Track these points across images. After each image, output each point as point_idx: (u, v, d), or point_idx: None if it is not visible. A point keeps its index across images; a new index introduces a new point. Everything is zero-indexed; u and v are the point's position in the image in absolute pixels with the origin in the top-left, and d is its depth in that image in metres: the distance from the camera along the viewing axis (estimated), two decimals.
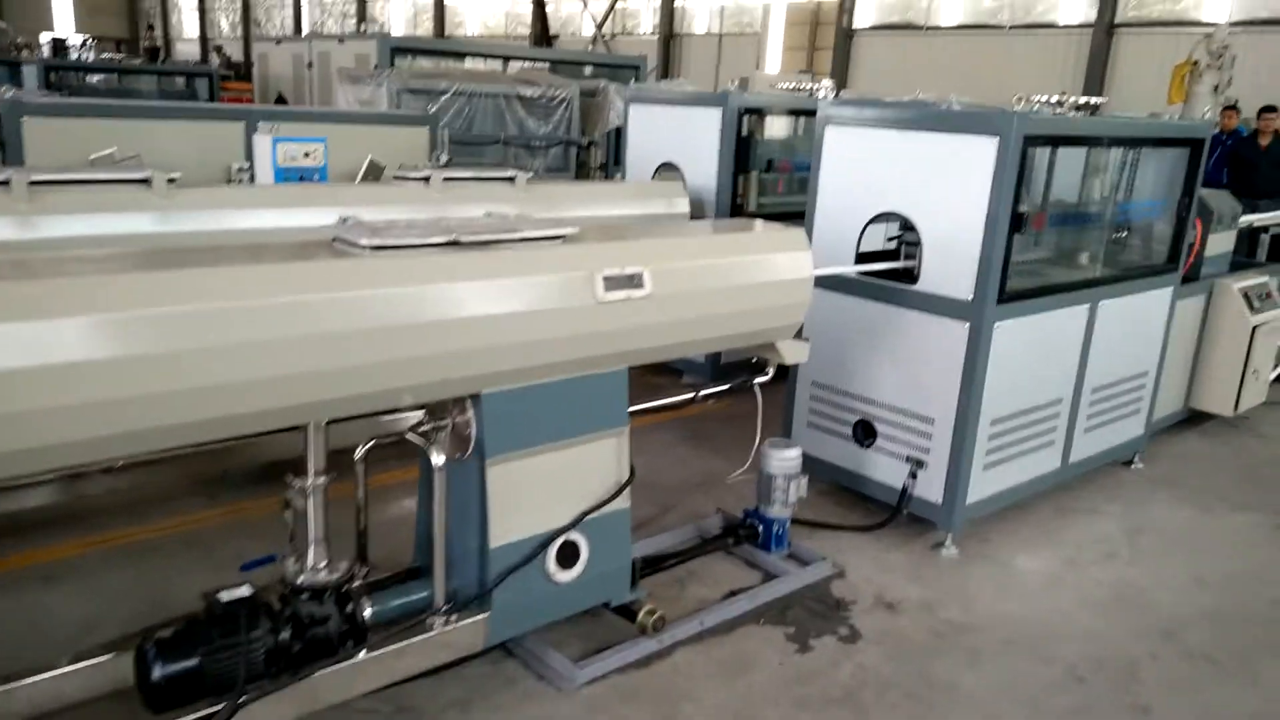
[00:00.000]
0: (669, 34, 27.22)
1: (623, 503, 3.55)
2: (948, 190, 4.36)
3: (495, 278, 2.96)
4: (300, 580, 2.98)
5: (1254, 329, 6.15)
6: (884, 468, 4.77)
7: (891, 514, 4.71)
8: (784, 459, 4.31)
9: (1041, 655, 3.83)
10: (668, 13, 27.16)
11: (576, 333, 3.15)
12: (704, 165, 6.40)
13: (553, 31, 29.99)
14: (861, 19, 23.12)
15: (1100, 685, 3.66)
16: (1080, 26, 19.64)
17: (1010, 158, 4.11)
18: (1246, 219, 7.21)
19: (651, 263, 3.34)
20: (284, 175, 6.09)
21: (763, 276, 3.73)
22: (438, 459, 3.04)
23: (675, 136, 6.62)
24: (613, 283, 3.20)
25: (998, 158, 4.14)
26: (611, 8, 28.58)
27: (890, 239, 4.83)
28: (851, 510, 4.99)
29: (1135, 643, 3.94)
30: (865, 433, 4.82)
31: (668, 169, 6.68)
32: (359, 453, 3.13)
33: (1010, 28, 20.67)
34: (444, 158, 7.60)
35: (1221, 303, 6.21)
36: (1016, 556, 4.61)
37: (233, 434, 2.64)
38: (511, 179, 5.42)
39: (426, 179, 5.10)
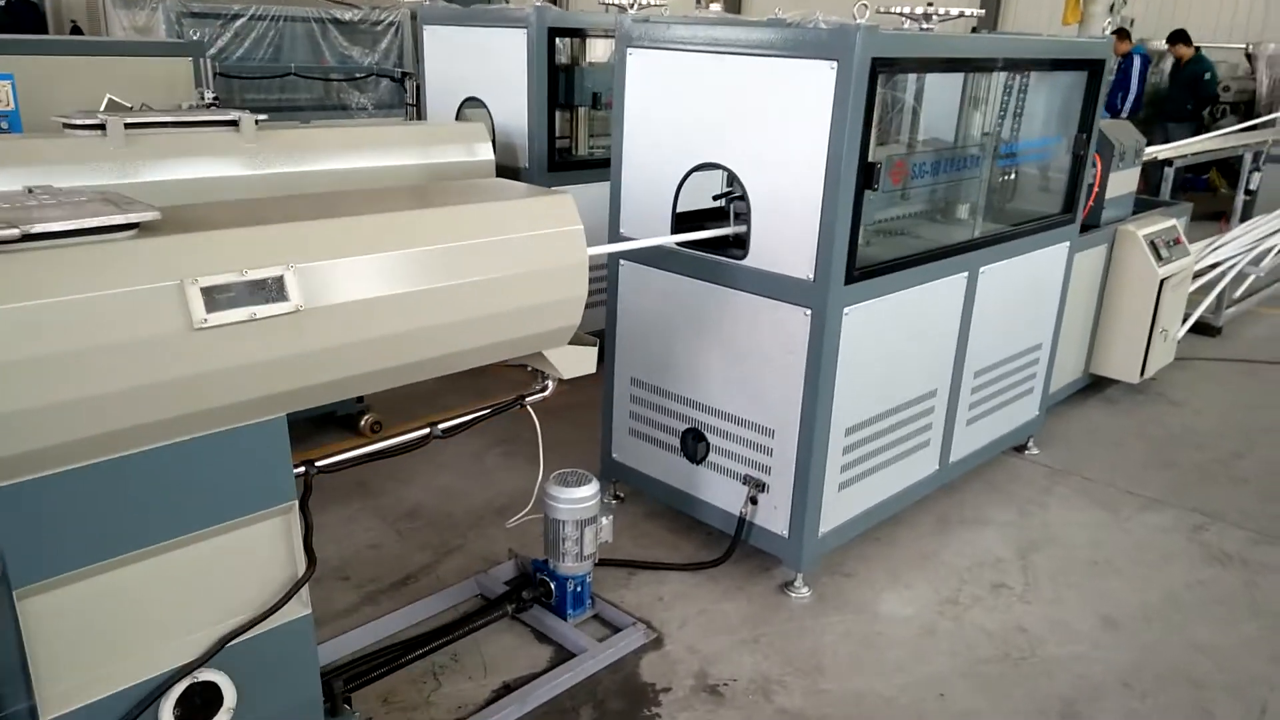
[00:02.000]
0: None
1: (297, 608, 2.44)
2: (776, 134, 3.28)
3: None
4: None
5: (1161, 282, 5.28)
6: (720, 489, 3.76)
7: (727, 550, 3.71)
8: (573, 500, 3.26)
9: None
10: None
11: (156, 380, 2.00)
12: (513, 100, 5.20)
13: None
14: None
15: None
16: None
17: (854, 88, 3.04)
18: (1153, 150, 6.33)
19: (301, 258, 2.19)
20: None
21: (508, 267, 2.61)
22: None
23: (479, 66, 5.39)
24: (222, 296, 2.06)
25: (837, 89, 3.07)
26: None
27: (717, 196, 3.75)
28: (685, 539, 3.98)
29: None
30: (696, 445, 3.78)
31: (473, 105, 5.47)
32: None
33: None
34: (208, 95, 6.27)
35: (1125, 253, 5.31)
36: (883, 597, 3.66)
37: None
38: (235, 123, 4.16)
39: (102, 127, 3.82)
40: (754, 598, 3.62)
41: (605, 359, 4.06)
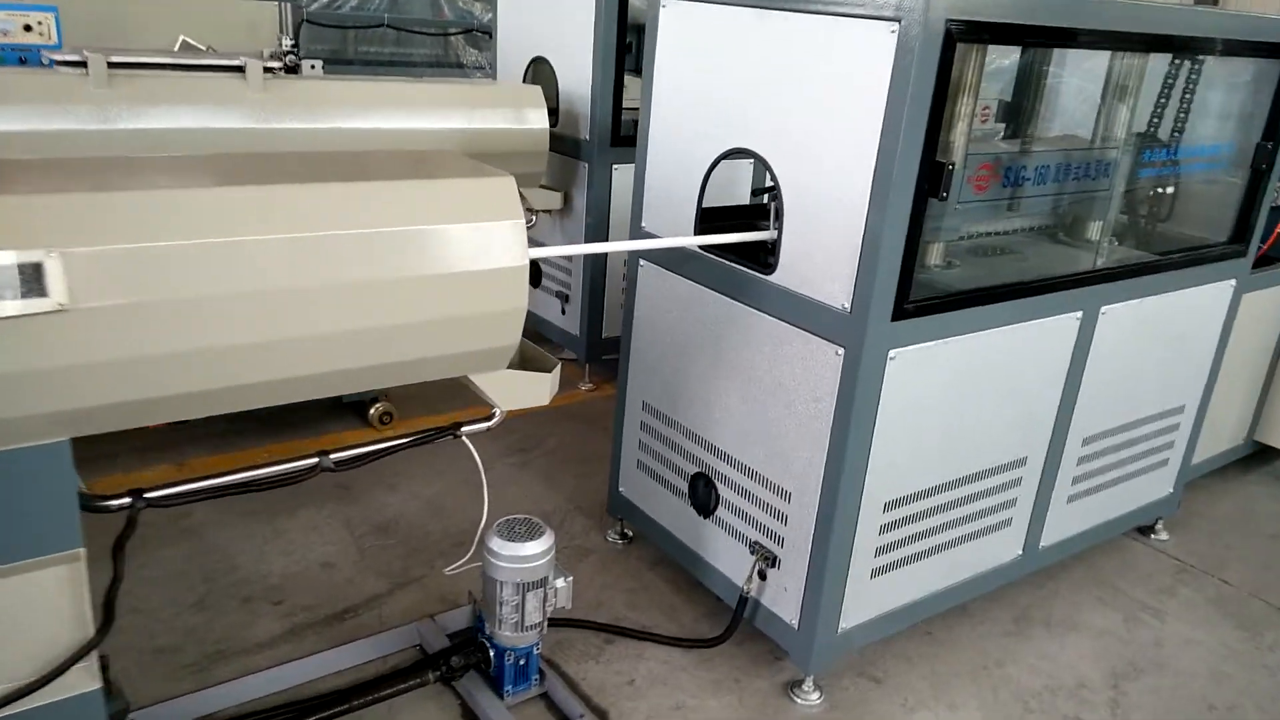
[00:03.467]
0: None
1: (83, 681, 1.92)
2: (818, 116, 2.51)
3: None
4: None
5: None
6: (728, 552, 3.05)
7: (726, 629, 3.00)
8: (515, 558, 2.62)
9: None
10: None
11: None
12: (579, 61, 4.55)
13: None
14: None
15: None
16: None
17: (919, 61, 2.25)
18: None
19: (78, 241, 1.64)
20: None
21: (405, 265, 2.00)
22: None
23: (547, 19, 4.76)
24: None
25: (897, 60, 2.28)
26: None
27: (757, 192, 3.01)
28: (688, 602, 3.30)
29: None
30: (705, 494, 3.08)
31: (540, 65, 4.86)
32: None
33: None
34: (286, 42, 5.90)
35: None
36: (916, 718, 2.87)
37: None
38: (240, 68, 3.70)
39: (83, 64, 3.42)
40: (749, 696, 2.90)
41: (619, 374, 3.41)
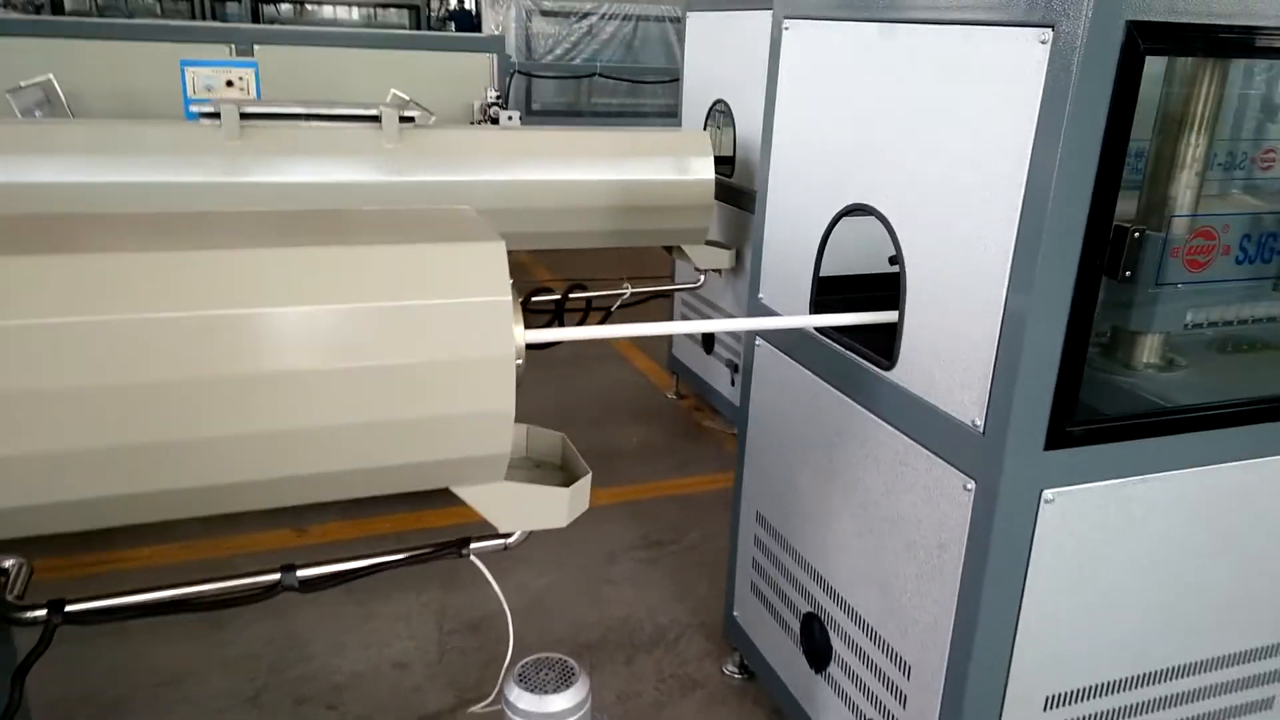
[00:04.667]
0: None
1: None
2: (947, 162, 1.84)
3: None
4: None
5: None
6: (843, 718, 2.36)
7: None
8: (535, 714, 2.10)
9: None
10: None
11: None
12: (756, 104, 4.00)
13: None
14: None
15: None
16: None
17: (1081, 80, 1.54)
18: None
19: None
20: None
21: (356, 352, 1.57)
22: None
23: (733, 61, 4.27)
24: None
25: (1049, 82, 1.58)
26: None
27: (894, 259, 2.33)
28: None
29: None
30: (817, 642, 2.42)
31: (720, 110, 4.37)
32: None
33: None
34: (491, 93, 5.81)
35: None
36: None
37: None
38: (376, 118, 3.51)
39: (217, 115, 3.34)
40: None
41: (736, 471, 2.81)
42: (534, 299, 3.99)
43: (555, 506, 1.87)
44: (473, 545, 2.04)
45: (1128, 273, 1.71)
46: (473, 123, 5.91)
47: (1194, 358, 2.20)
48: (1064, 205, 1.60)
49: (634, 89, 8.40)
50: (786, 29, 2.38)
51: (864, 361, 2.13)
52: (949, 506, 1.89)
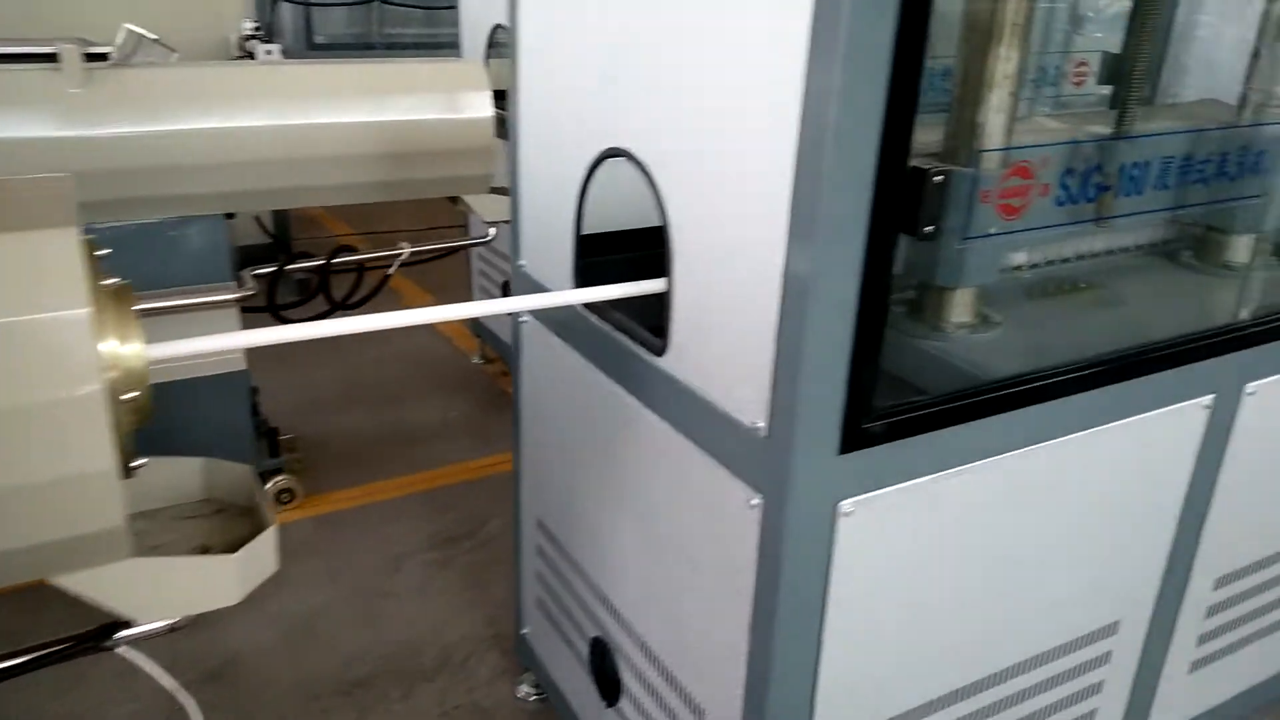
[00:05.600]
0: None
1: None
2: (708, 87, 1.43)
3: None
4: None
5: None
6: None
7: None
8: None
9: None
10: None
11: None
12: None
13: None
14: None
15: None
16: None
17: None
18: None
19: None
20: None
21: None
22: None
23: None
24: None
25: None
26: None
27: None
28: None
29: None
30: (607, 672, 2.04)
31: (502, 38, 3.87)
32: None
33: None
34: (246, 26, 5.07)
35: None
36: None
37: None
38: (53, 56, 2.84)
39: None
40: None
41: (514, 472, 2.39)
42: (291, 266, 3.41)
43: (219, 581, 1.39)
44: (122, 634, 1.53)
45: (928, 228, 1.37)
46: (232, 59, 5.17)
47: (1009, 308, 1.89)
48: (846, 142, 1.22)
49: (430, 17, 7.69)
50: None
51: (635, 345, 1.73)
52: (733, 523, 1.52)
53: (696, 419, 1.58)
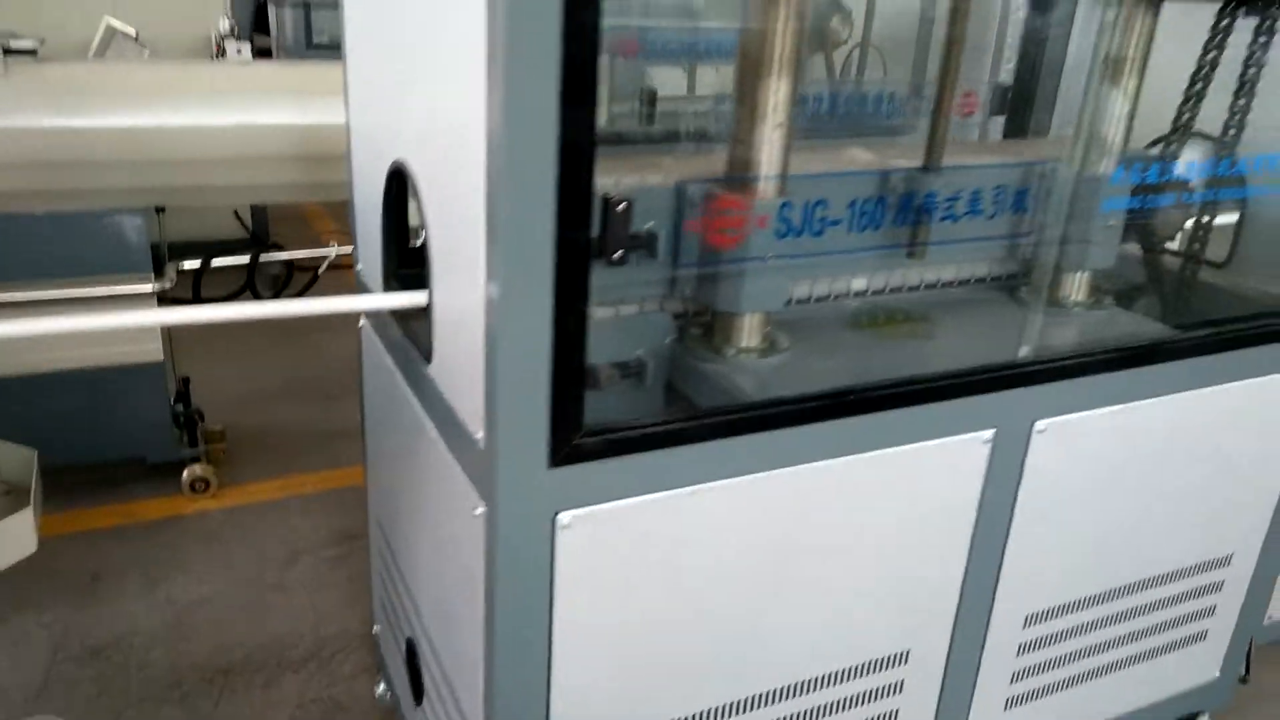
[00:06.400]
0: None
1: None
2: (442, 104, 1.49)
3: None
4: None
5: None
6: None
7: None
8: None
9: None
10: None
11: None
12: None
13: None
14: None
15: None
16: None
17: (542, 9, 1.19)
18: None
19: None
20: None
21: None
22: None
23: None
24: None
25: (499, 11, 1.23)
26: None
27: None
28: None
29: None
30: (416, 671, 2.10)
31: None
32: None
33: None
34: (224, 23, 5.25)
35: None
36: None
37: None
38: None
39: None
40: None
41: (364, 472, 2.47)
42: (213, 262, 3.53)
43: (22, 534, 1.47)
44: None
45: (616, 254, 1.40)
46: (210, 58, 5.35)
47: (809, 336, 1.92)
48: (522, 164, 1.27)
49: None
50: None
51: (416, 354, 1.79)
52: (468, 531, 1.57)
53: (450, 427, 1.63)
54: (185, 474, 3.47)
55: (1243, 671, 2.71)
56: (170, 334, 3.50)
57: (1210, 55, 2.10)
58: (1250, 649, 2.64)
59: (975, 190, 2.01)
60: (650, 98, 2.28)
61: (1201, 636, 2.43)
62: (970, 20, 1.88)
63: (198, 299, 3.48)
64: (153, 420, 3.37)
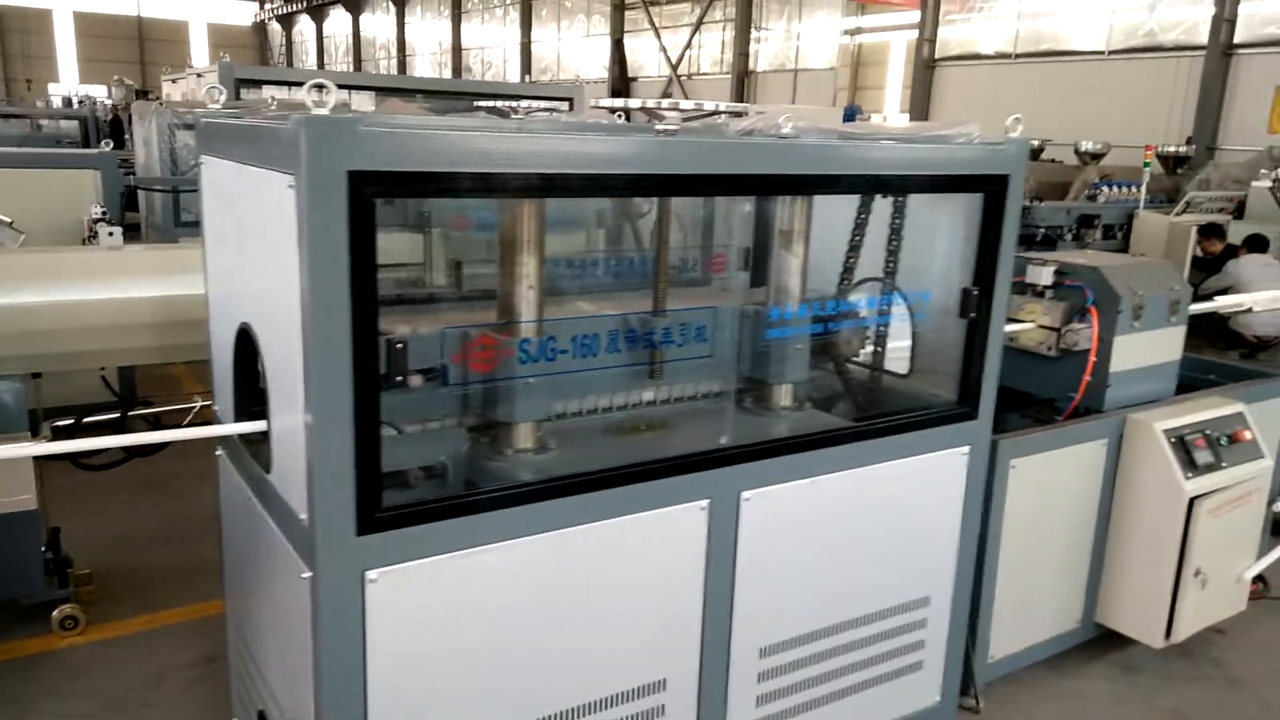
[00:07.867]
0: (744, 71, 25.06)
1: None
2: (272, 282, 2.08)
3: None
4: None
5: (1192, 501, 3.48)
6: None
7: None
8: None
9: None
10: (741, 52, 25.06)
11: None
12: None
13: (631, 74, 28.71)
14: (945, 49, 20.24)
15: None
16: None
17: (319, 217, 1.82)
18: (1225, 302, 4.51)
19: None
20: None
21: None
22: None
23: None
24: None
25: (298, 217, 1.85)
26: (685, 48, 26.87)
27: None
28: None
29: None
30: None
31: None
32: None
33: (1109, 53, 17.33)
34: (95, 210, 5.73)
35: (1136, 455, 3.56)
36: None
37: None
38: None
39: None
40: None
41: (221, 584, 2.90)
42: (88, 420, 3.94)
43: None
44: None
45: (398, 379, 2.00)
46: (83, 240, 5.79)
47: (573, 440, 2.52)
48: (324, 322, 1.86)
49: None
50: (204, 164, 2.57)
51: (259, 467, 2.31)
52: (297, 595, 2.07)
53: (284, 516, 2.15)
54: (55, 613, 3.78)
55: (973, 702, 3.34)
56: (44, 485, 3.85)
57: (860, 223, 2.89)
58: (973, 682, 3.27)
59: (698, 326, 2.70)
60: (457, 265, 2.90)
61: (918, 666, 3.05)
62: (702, 208, 2.63)
63: (72, 458, 3.86)
64: (24, 565, 3.68)
